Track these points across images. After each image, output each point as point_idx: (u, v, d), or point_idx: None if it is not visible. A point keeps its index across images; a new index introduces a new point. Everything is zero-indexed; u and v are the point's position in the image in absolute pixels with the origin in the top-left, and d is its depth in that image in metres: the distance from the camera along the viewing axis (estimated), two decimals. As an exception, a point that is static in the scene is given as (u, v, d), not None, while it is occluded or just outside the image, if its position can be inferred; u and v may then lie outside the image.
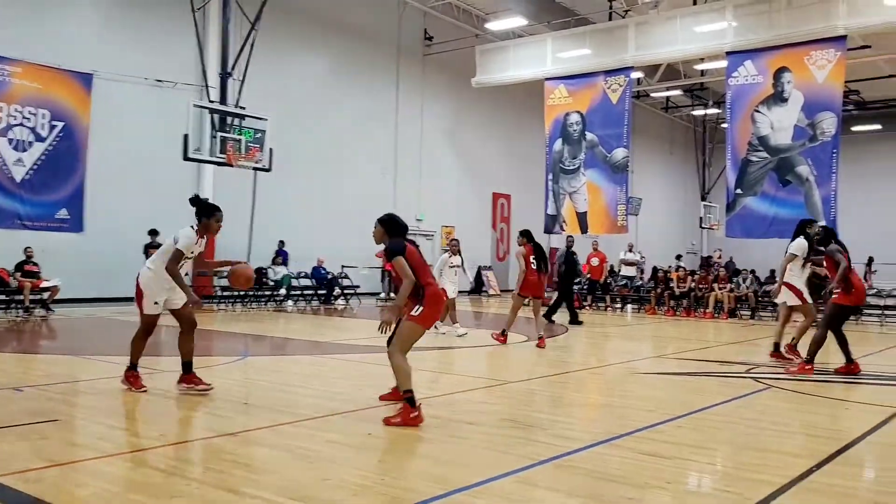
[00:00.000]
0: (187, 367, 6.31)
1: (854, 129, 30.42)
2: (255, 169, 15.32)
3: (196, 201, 6.41)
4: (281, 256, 17.90)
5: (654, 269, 20.08)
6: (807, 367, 8.28)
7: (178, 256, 6.08)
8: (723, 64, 19.34)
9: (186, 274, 6.63)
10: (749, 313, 17.44)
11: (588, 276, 19.42)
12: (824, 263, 8.60)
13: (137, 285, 6.26)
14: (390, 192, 21.48)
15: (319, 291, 18.43)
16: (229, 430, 5.02)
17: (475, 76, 22.00)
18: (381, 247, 5.66)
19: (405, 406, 5.27)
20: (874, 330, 15.50)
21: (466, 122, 24.66)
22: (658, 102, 29.02)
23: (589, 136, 20.13)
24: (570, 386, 7.78)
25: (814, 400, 7.07)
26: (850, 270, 8.16)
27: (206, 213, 6.28)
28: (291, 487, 3.80)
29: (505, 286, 23.93)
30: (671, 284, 18.17)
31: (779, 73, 17.68)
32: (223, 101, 15.43)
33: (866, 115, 30.14)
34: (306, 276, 18.21)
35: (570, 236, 17.59)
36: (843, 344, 8.24)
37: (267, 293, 17.37)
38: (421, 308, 5.36)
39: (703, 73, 24.92)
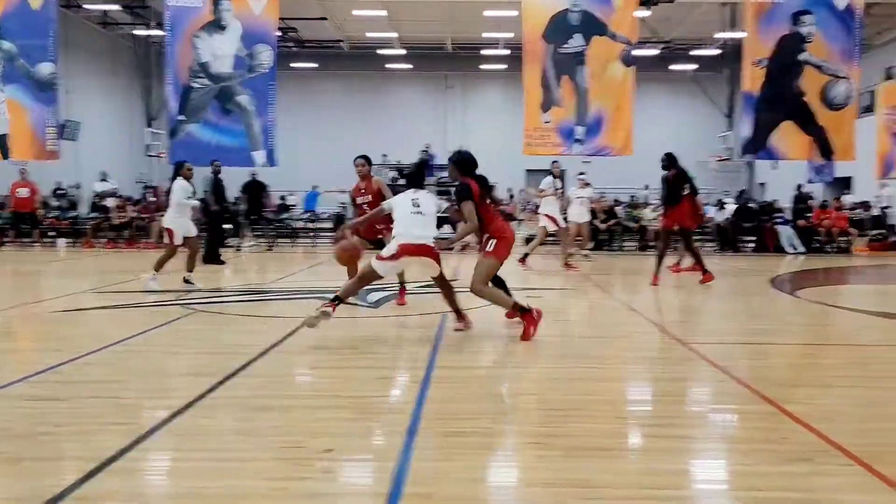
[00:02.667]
0: None
1: (294, 65, 32.77)
2: None
3: None
4: None
5: (96, 196, 18.67)
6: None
7: None
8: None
9: None
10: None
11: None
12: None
13: None
14: None
15: None
16: None
17: None
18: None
19: (525, 318, 5.92)
20: (305, 251, 17.12)
21: None
22: (95, 16, 26.65)
23: (6, 44, 17.38)
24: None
25: (236, 319, 7.34)
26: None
27: None
28: None
29: None
30: (110, 215, 17.14)
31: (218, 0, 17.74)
32: None
33: (304, 53, 32.67)
34: None
35: (216, 160, 15.38)
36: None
37: None
38: (494, 242, 5.97)
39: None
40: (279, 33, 20.49)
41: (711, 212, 18.59)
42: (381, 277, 6.10)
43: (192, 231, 9.50)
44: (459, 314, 6.43)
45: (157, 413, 3.93)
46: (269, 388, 4.54)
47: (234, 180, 21.47)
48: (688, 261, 10.97)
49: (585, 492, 2.88)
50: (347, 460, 3.30)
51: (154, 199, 18.94)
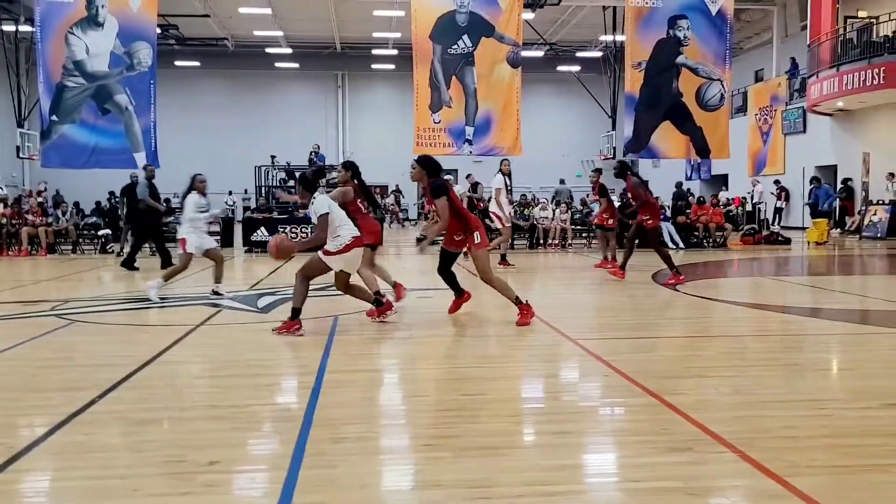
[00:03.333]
0: None
1: (178, 63, 31.61)
2: None
3: None
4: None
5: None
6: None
7: None
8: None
9: None
10: (70, 248, 16.65)
11: None
12: None
13: None
14: None
15: None
16: None
17: None
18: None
19: (523, 307, 6.61)
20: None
21: None
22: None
23: None
24: None
25: (116, 329, 7.00)
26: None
27: None
28: None
29: None
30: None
31: (90, -5, 16.86)
32: None
33: (187, 51, 31.57)
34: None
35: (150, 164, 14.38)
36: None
37: None
38: (478, 234, 6.60)
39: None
40: (159, 30, 19.70)
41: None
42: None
43: (206, 244, 8.98)
44: (379, 294, 6.83)
45: (33, 431, 3.70)
46: (151, 401, 4.35)
47: (112, 183, 20.56)
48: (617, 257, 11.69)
49: (476, 492, 2.91)
50: (233, 472, 3.21)
51: (27, 204, 17.80)
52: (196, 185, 8.90)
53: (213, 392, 4.70)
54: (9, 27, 25.70)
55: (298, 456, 3.29)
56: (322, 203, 6.25)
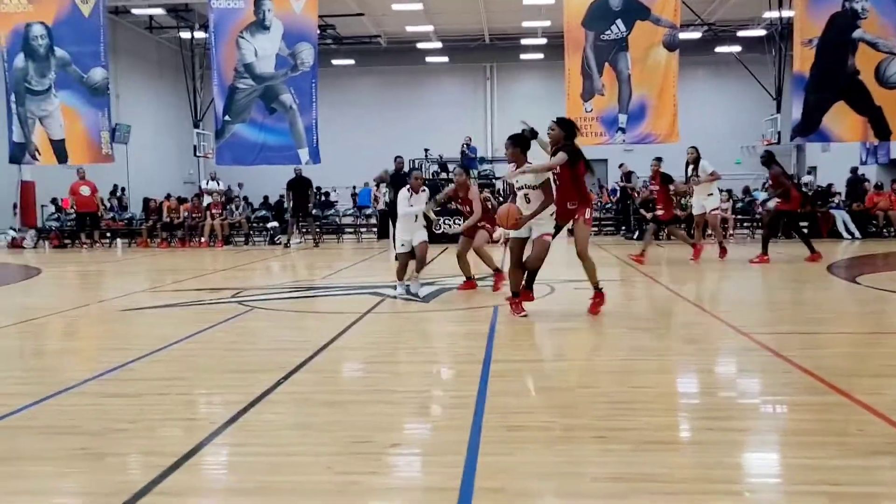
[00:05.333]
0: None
1: (334, 62, 33.01)
2: None
3: None
4: None
5: (145, 200, 19.12)
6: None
7: None
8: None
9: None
10: (243, 239, 17.85)
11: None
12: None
13: None
14: None
15: None
16: None
17: None
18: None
19: (598, 295, 6.71)
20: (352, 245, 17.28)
21: None
22: (142, 21, 27.25)
23: (59, 51, 17.86)
24: (31, 334, 6.81)
25: (290, 316, 7.44)
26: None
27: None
28: None
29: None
30: (164, 215, 17.53)
31: (259, 0, 17.95)
32: None
33: (343, 50, 32.88)
34: None
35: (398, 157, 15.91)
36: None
37: None
38: (590, 210, 6.81)
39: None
40: (318, 31, 20.63)
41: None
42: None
43: (418, 238, 8.35)
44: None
45: (228, 408, 4.01)
46: (330, 384, 4.60)
47: (277, 178, 21.81)
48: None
49: (657, 486, 2.86)
50: (415, 455, 3.33)
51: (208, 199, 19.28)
52: (413, 183, 8.50)
53: (386, 377, 4.89)
54: (185, 34, 27.81)
55: (475, 442, 3.37)
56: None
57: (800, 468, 3.11)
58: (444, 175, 20.88)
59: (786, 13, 21.63)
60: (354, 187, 23.35)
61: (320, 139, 18.58)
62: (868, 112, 16.65)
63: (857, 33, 16.52)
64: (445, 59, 33.35)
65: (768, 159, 11.75)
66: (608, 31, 17.48)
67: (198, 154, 27.20)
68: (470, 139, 22.02)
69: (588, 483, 2.97)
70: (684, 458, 3.19)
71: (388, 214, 14.03)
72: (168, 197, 18.59)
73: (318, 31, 20.70)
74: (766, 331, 5.96)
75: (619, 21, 17.44)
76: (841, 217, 16.88)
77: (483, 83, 34.76)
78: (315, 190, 19.53)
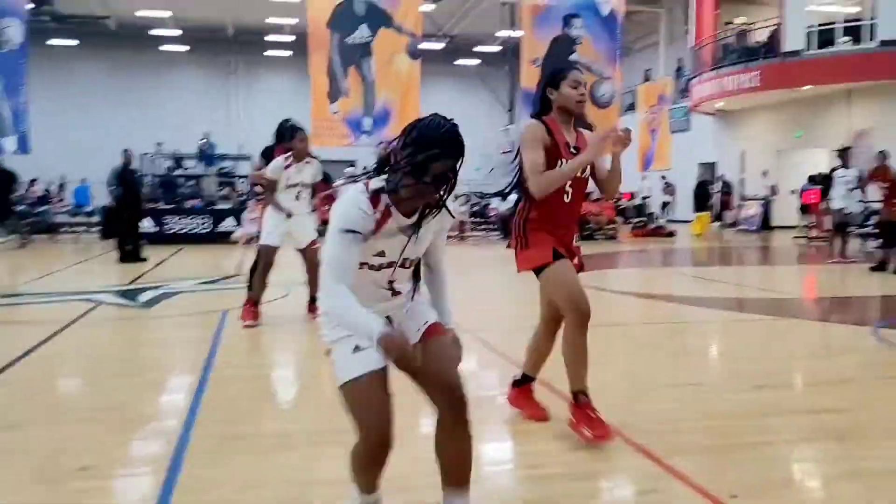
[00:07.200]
0: None
1: (52, 42, 29.70)
2: None
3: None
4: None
5: None
6: None
7: None
8: None
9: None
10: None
11: None
12: None
13: None
14: None
15: None
16: None
17: None
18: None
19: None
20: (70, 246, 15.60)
21: None
22: None
23: None
24: None
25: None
26: None
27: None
28: None
29: None
30: None
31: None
32: None
33: (64, 30, 29.71)
34: None
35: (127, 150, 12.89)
36: None
37: None
38: None
39: None
40: (31, 5, 18.46)
41: (495, 202, 19.47)
42: None
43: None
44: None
45: None
46: (22, 402, 4.00)
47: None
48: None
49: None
50: (105, 477, 2.96)
51: None
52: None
53: (88, 392, 4.36)
54: None
55: (179, 457, 3.09)
56: None
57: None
58: (178, 171, 19.68)
59: (516, 33, 23.37)
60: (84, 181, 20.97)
61: (33, 127, 16.53)
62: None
63: (573, 56, 18.26)
64: (186, 48, 31.56)
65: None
66: (353, 35, 17.57)
67: None
68: (208, 135, 20.98)
69: (302, 486, 2.84)
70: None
71: (117, 212, 12.76)
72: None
73: (31, 6, 18.49)
74: (487, 328, 6.24)
75: (363, 26, 17.60)
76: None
77: (226, 77, 33.41)
78: (26, 183, 17.38)
